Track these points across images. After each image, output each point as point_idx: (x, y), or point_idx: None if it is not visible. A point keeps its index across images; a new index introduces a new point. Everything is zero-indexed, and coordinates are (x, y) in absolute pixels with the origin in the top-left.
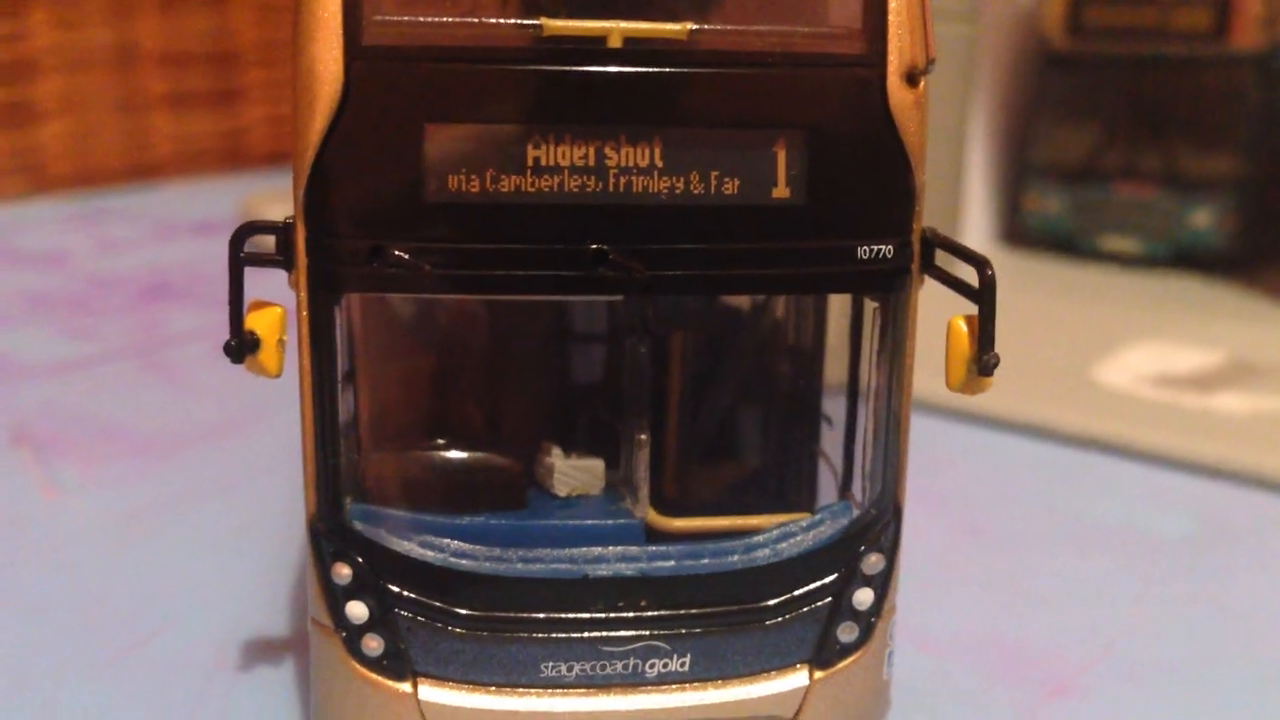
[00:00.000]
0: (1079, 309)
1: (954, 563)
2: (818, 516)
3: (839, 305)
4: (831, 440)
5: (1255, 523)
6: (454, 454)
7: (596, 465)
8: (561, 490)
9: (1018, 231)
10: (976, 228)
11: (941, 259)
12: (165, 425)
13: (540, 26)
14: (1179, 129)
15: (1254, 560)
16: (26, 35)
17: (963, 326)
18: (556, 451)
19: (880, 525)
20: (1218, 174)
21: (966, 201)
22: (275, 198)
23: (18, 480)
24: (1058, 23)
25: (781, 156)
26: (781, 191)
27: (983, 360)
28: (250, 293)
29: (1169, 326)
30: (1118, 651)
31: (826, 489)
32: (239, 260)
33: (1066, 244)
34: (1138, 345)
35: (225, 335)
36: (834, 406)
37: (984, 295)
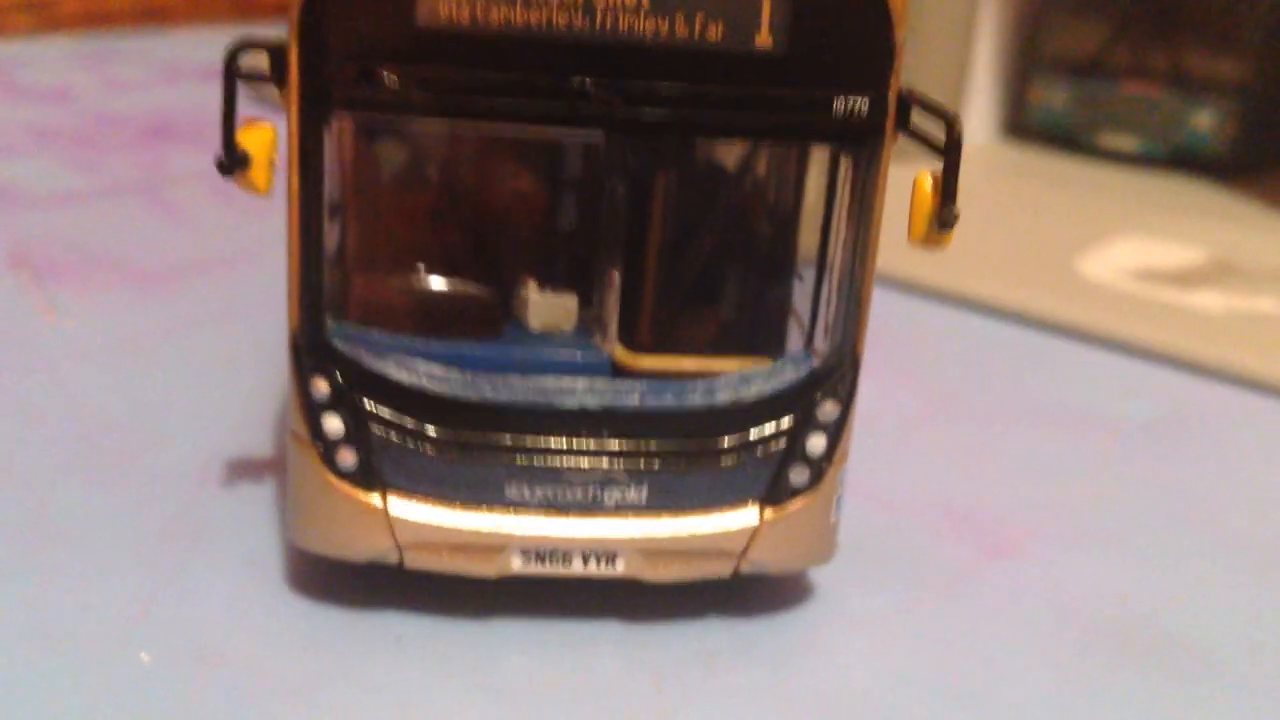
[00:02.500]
0: (1071, 202)
1: (920, 433)
2: (779, 363)
3: (818, 161)
4: (802, 294)
5: (1216, 414)
6: (434, 281)
7: (570, 301)
8: (535, 323)
9: (1021, 124)
10: (980, 117)
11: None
12: (163, 258)
13: None
14: (1188, 30)
15: (1209, 447)
16: None
17: (928, 182)
18: (533, 285)
19: (837, 375)
20: (1223, 77)
21: (971, 91)
22: None
23: (17, 300)
24: None
25: (765, 4)
26: (764, 39)
27: (943, 214)
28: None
29: (1158, 224)
30: (1061, 520)
31: (794, 340)
32: (233, 75)
33: (1068, 139)
34: (1123, 240)
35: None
36: (807, 262)
37: (950, 151)
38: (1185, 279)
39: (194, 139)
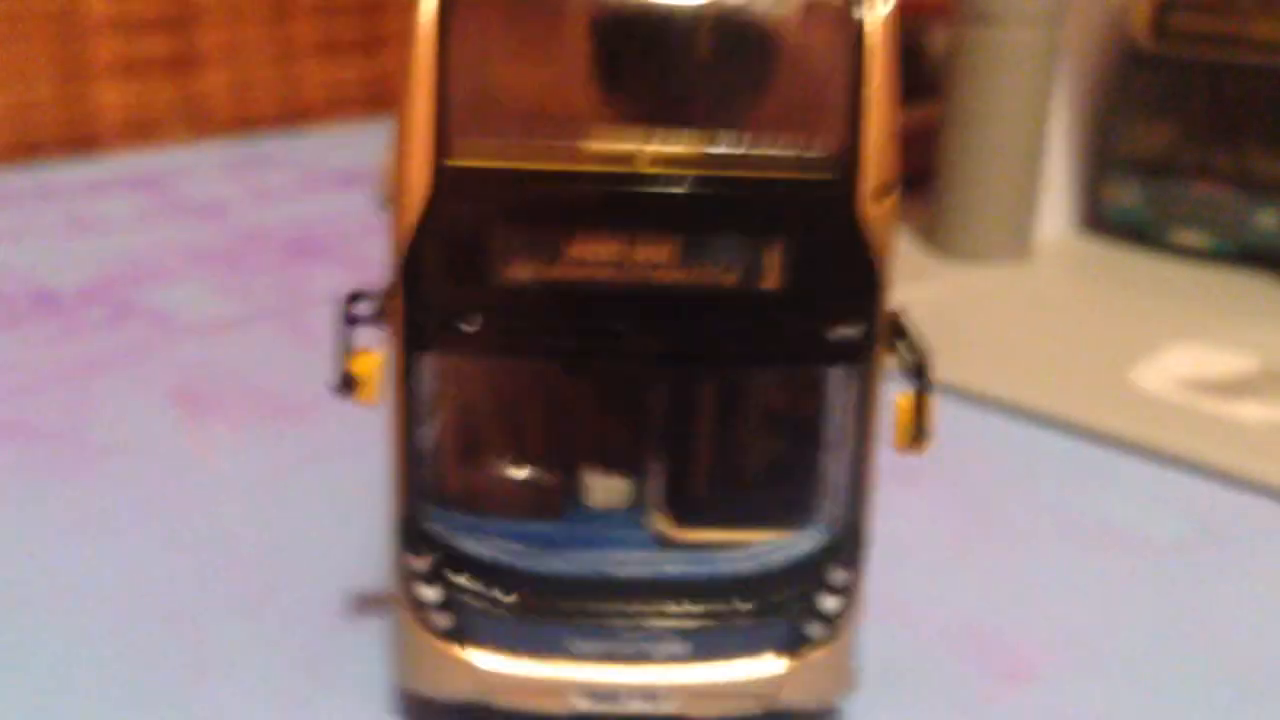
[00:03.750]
0: (1135, 303)
1: (960, 553)
2: (796, 536)
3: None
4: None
5: (1251, 529)
6: (510, 471)
7: (623, 484)
8: (593, 502)
9: (1096, 220)
10: (1055, 215)
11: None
12: (302, 388)
13: (585, 148)
14: (1253, 133)
15: (1242, 566)
16: None
17: (905, 403)
18: (592, 472)
19: (846, 546)
20: None
21: (1046, 189)
22: None
23: (177, 436)
24: (1144, 26)
25: (771, 257)
26: (770, 283)
27: (918, 434)
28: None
29: (1216, 328)
30: (1085, 644)
31: (812, 515)
32: (348, 320)
33: (1141, 235)
34: (1180, 346)
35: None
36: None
37: (922, 381)
38: (1232, 389)
39: (331, 256)
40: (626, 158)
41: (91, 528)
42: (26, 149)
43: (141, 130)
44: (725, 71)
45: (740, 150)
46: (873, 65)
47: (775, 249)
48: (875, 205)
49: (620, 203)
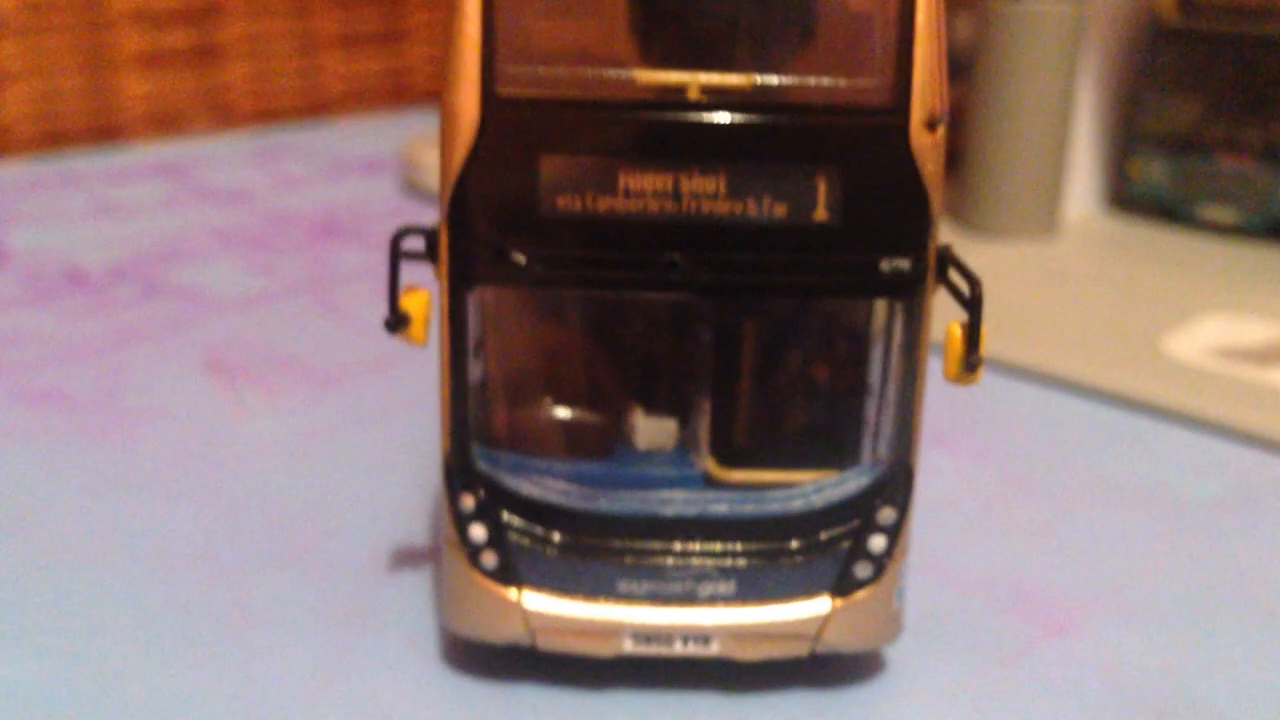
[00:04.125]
0: (1166, 277)
1: (996, 511)
2: (844, 475)
3: (876, 306)
4: (866, 415)
5: None
6: (558, 411)
7: (670, 425)
8: (641, 444)
9: (1123, 196)
10: (1082, 192)
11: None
12: (335, 357)
13: (634, 79)
14: (1278, 106)
15: (1276, 523)
16: None
17: (958, 331)
18: (639, 412)
19: (894, 484)
20: None
21: (1073, 166)
22: (431, 141)
23: (213, 403)
24: (1169, 1)
25: (823, 187)
26: (821, 215)
27: (969, 359)
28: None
29: (1248, 300)
30: (1121, 597)
31: (858, 455)
32: (397, 254)
33: (1168, 210)
34: (1211, 317)
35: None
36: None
37: (973, 307)
38: (1263, 357)
39: (356, 236)
40: (676, 89)
41: (130, 487)
42: (52, 139)
43: (165, 121)
44: (774, 6)
45: (791, 81)
46: None
47: (826, 180)
48: (925, 135)
49: (670, 132)
